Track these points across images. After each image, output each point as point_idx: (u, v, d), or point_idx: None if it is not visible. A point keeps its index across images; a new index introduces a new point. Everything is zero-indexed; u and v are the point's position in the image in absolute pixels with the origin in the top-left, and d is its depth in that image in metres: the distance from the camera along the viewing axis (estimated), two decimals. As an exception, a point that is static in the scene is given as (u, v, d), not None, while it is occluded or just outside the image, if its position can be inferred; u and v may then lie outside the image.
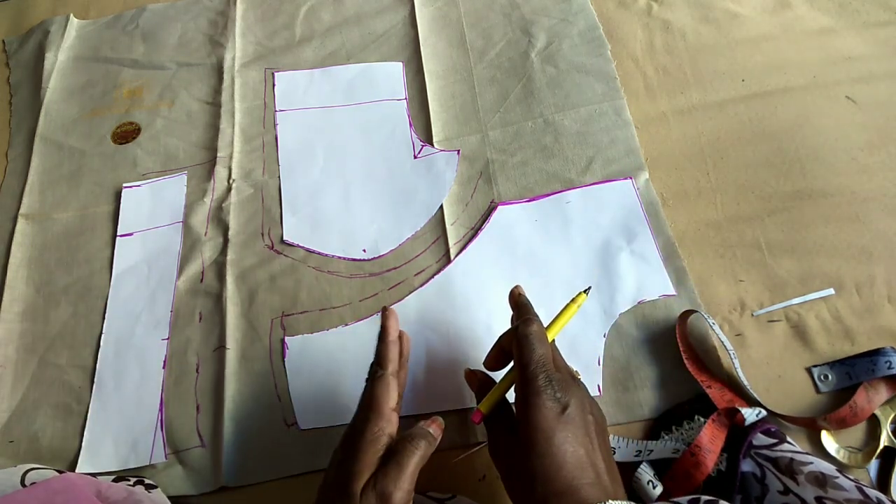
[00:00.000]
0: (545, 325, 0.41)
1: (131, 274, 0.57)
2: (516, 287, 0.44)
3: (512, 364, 0.39)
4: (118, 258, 0.58)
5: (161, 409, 0.50)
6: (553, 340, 0.42)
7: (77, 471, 0.48)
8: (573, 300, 0.43)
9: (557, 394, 0.35)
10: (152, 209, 0.61)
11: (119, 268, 0.58)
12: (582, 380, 0.40)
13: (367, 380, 0.41)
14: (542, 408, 0.34)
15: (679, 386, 0.47)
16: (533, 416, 0.34)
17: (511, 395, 0.39)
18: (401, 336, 0.45)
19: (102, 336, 0.54)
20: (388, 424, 0.38)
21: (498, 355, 0.42)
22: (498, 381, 0.41)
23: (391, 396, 0.39)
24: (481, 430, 0.46)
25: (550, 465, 0.33)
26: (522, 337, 0.38)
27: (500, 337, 0.42)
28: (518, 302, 0.42)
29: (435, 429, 0.39)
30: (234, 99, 0.66)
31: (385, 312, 0.45)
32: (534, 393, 0.35)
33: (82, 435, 0.50)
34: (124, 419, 0.50)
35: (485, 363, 0.43)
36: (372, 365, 0.42)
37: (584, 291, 0.44)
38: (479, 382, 0.42)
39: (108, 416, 0.51)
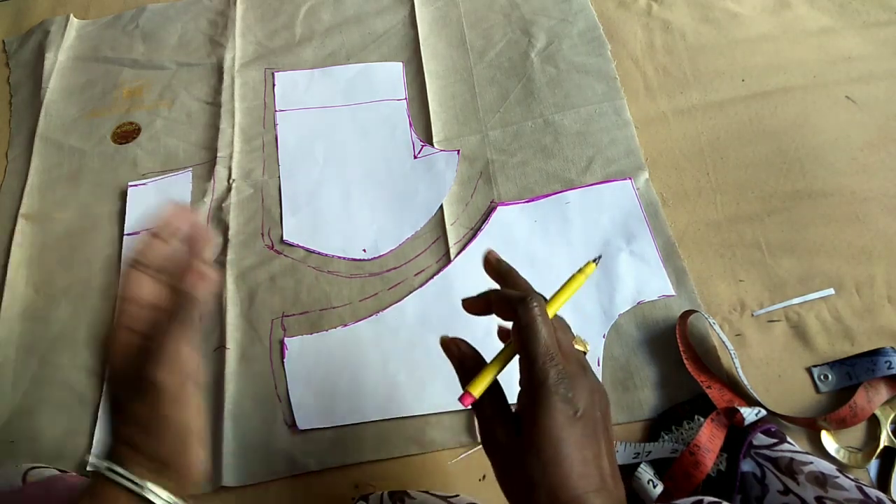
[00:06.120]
0: (549, 299, 0.35)
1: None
2: (489, 252, 0.36)
3: (506, 344, 0.34)
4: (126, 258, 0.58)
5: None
6: (556, 315, 0.36)
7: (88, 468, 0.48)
8: (581, 270, 0.37)
9: (569, 393, 0.31)
10: (159, 208, 0.60)
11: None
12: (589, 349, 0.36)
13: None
14: (552, 410, 0.31)
15: (679, 386, 0.47)
16: (542, 419, 0.31)
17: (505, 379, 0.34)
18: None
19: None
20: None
21: (481, 305, 0.35)
22: (489, 360, 0.34)
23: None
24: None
25: (556, 474, 0.30)
26: (525, 326, 0.32)
27: (490, 293, 0.34)
28: (500, 269, 0.36)
29: (196, 281, 0.34)
30: (234, 99, 0.66)
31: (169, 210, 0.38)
32: (544, 393, 0.31)
33: (87, 435, 0.50)
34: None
35: (463, 303, 0.36)
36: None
37: (594, 261, 0.37)
38: (461, 355, 0.35)
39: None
